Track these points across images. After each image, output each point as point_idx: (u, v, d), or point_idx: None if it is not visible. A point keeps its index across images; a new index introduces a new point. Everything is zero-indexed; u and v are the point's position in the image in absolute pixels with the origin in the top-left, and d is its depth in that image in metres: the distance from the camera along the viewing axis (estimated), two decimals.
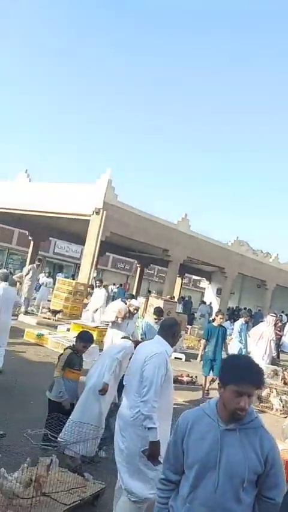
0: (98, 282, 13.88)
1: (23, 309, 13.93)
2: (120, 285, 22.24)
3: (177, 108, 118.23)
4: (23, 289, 14.01)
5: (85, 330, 5.81)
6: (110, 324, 7.66)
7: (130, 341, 5.14)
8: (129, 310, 7.45)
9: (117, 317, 7.34)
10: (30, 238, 21.74)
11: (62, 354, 4.92)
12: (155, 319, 8.06)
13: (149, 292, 16.21)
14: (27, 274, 13.95)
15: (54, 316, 13.96)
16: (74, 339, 5.20)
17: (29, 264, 15.94)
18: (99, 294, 12.99)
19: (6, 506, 3.16)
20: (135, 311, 7.62)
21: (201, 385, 8.80)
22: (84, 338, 4.89)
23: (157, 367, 3.14)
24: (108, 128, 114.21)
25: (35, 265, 14.33)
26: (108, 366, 4.67)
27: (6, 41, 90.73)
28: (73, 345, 4.97)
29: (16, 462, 3.46)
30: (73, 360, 4.75)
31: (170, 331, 3.50)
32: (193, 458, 2.00)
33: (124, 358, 4.84)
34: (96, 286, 13.50)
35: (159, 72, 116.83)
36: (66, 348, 4.98)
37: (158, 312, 8.29)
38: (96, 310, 12.59)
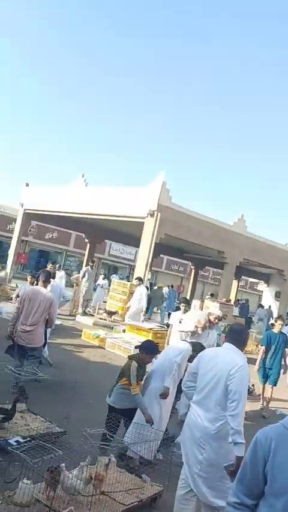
0: (136, 279, 13.77)
1: (80, 309, 14.31)
2: (172, 286, 22.11)
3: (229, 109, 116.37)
4: (80, 291, 14.37)
5: (150, 340, 5.65)
6: (189, 334, 7.18)
7: (187, 343, 5.09)
8: (209, 320, 6.83)
9: (196, 327, 6.72)
10: (86, 240, 22.31)
11: (127, 365, 4.64)
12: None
13: (212, 295, 15.94)
14: (83, 276, 14.31)
15: (110, 317, 14.20)
16: (137, 349, 4.95)
17: (85, 266, 16.34)
18: (139, 291, 12.83)
19: (68, 502, 3.24)
20: (216, 320, 6.99)
21: (259, 394, 8.44)
22: (151, 349, 4.70)
23: (244, 380, 3.09)
24: (161, 131, 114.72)
25: (89, 267, 14.68)
26: (168, 369, 4.65)
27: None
28: (137, 354, 4.74)
29: (75, 460, 3.54)
30: (139, 371, 4.55)
31: (240, 338, 3.37)
32: (282, 485, 1.76)
33: (183, 360, 4.81)
34: (137, 285, 13.42)
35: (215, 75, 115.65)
36: (131, 359, 4.68)
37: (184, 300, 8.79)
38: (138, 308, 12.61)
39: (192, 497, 3.21)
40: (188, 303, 8.84)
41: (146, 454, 4.36)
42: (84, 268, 15.00)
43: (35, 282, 6.74)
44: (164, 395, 4.60)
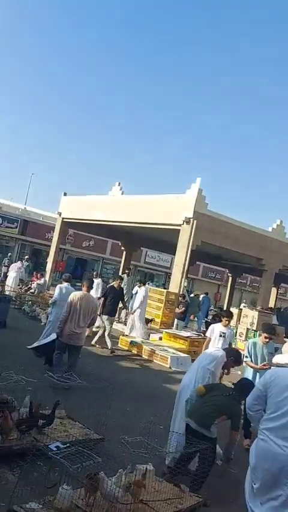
0: (138, 282, 13.55)
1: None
2: (206, 293, 21.78)
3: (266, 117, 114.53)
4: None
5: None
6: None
7: (222, 350, 4.98)
8: None
9: None
10: (122, 248, 22.51)
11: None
12: (266, 337, 6.37)
13: (254, 304, 15.58)
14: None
15: (146, 324, 14.20)
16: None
17: (121, 274, 16.33)
18: (139, 293, 12.77)
19: (107, 509, 3.25)
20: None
21: None
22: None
23: None
24: (198, 138, 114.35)
25: (125, 275, 14.56)
26: (201, 377, 4.59)
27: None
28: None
29: (114, 467, 3.54)
30: None
31: None
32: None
33: (217, 368, 4.73)
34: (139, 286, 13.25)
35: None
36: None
37: (270, 330, 6.58)
38: (135, 310, 12.23)
39: None
40: (231, 316, 8.04)
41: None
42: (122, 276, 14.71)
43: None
44: None
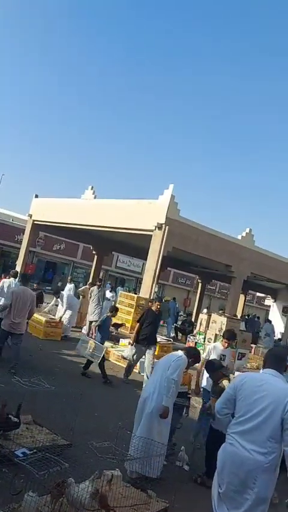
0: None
1: (85, 329, 13.74)
2: (174, 298, 21.91)
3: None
4: (89, 309, 13.68)
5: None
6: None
7: (181, 353, 4.98)
8: None
9: None
10: (94, 252, 22.37)
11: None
12: (226, 342, 6.86)
13: (221, 310, 15.77)
14: (91, 298, 13.11)
15: (117, 329, 14.13)
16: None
17: (90, 284, 15.59)
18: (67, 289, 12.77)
19: None
20: None
21: None
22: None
23: None
24: (171, 143, 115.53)
25: (95, 287, 13.88)
26: (166, 389, 4.56)
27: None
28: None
29: (81, 473, 3.51)
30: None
31: (283, 363, 3.22)
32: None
33: (180, 375, 4.76)
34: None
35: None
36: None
37: (230, 335, 6.92)
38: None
39: None
40: (231, 338, 6.98)
41: (147, 472, 4.27)
42: (92, 288, 13.58)
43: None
44: (164, 415, 4.52)
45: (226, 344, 6.89)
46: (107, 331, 9.12)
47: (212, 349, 6.94)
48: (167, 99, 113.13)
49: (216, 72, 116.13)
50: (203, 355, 6.54)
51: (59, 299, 12.25)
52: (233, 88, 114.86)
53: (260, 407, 2.96)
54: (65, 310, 11.89)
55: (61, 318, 11.80)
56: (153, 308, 9.30)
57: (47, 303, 13.33)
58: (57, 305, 12.49)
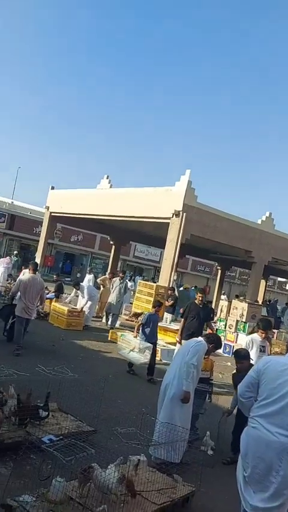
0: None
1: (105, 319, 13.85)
2: (195, 286, 21.71)
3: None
4: (106, 293, 13.94)
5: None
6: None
7: (201, 338, 4.96)
8: None
9: None
10: (111, 242, 22.42)
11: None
12: (262, 332, 6.59)
13: (237, 296, 15.69)
14: (112, 289, 13.30)
15: (137, 318, 14.19)
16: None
17: (111, 275, 15.67)
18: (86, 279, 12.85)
19: (101, 500, 3.24)
20: None
21: None
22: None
23: None
24: (185, 130, 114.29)
25: (118, 279, 13.86)
26: (185, 374, 4.55)
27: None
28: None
29: (107, 458, 3.54)
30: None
31: None
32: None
33: (199, 361, 4.74)
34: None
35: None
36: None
37: (266, 324, 6.68)
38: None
39: None
40: (268, 328, 6.73)
41: (172, 458, 4.30)
42: (114, 279, 13.74)
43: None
44: (185, 400, 4.52)
45: (263, 334, 6.60)
46: (153, 328, 8.39)
47: (250, 341, 6.68)
48: (181, 80, 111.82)
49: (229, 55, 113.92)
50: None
51: (79, 291, 12.34)
52: (250, 71, 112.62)
53: (284, 391, 2.95)
54: (87, 301, 11.98)
55: (82, 308, 11.90)
56: (196, 301, 8.57)
57: (68, 294, 13.43)
58: (77, 296, 12.59)
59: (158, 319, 8.82)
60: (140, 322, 8.57)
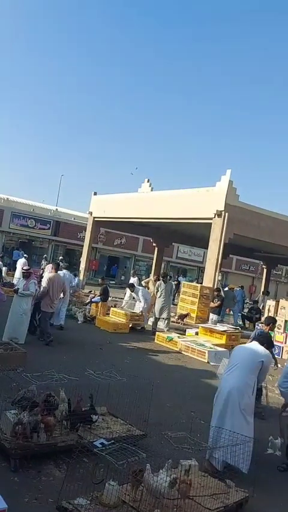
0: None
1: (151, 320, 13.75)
2: (241, 287, 21.26)
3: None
4: (156, 306, 12.79)
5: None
6: None
7: (262, 349, 4.79)
8: None
9: None
10: (154, 244, 22.49)
11: None
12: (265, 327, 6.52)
13: (268, 293, 15.23)
14: (158, 293, 12.55)
15: (182, 320, 14.17)
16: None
17: (154, 278, 15.73)
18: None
19: (153, 505, 3.26)
20: None
21: None
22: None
23: None
24: (226, 130, 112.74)
25: (161, 281, 13.61)
26: (253, 389, 4.49)
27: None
28: None
29: (158, 463, 3.55)
30: None
31: None
32: None
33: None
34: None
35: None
36: None
37: (266, 320, 6.61)
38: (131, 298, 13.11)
39: None
40: (270, 322, 6.68)
41: (239, 464, 4.16)
42: (157, 283, 13.07)
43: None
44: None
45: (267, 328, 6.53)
46: None
47: None
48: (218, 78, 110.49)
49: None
50: None
51: (133, 293, 12.92)
52: None
53: None
54: (144, 304, 12.55)
55: (141, 311, 12.66)
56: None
57: (115, 297, 13.74)
58: (131, 298, 13.17)
59: None
60: None
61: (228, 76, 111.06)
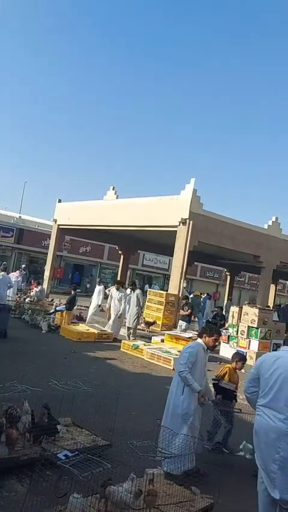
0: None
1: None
2: (208, 294, 21.44)
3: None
4: (128, 315, 13.20)
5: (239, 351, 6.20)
6: None
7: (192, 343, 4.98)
8: None
9: None
10: (120, 252, 22.48)
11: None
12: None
13: (251, 302, 15.54)
14: (119, 299, 12.87)
15: (148, 327, 14.18)
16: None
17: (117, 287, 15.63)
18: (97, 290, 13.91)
19: None
20: None
21: None
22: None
23: None
24: (189, 138, 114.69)
25: (129, 289, 13.69)
26: (184, 379, 4.68)
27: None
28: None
29: (123, 473, 3.52)
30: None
31: None
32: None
33: (189, 360, 4.75)
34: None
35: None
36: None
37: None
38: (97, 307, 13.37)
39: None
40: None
41: (189, 466, 4.30)
42: (126, 291, 13.61)
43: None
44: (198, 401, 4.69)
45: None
46: None
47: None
48: (178, 86, 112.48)
49: (226, 55, 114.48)
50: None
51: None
52: (253, 72, 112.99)
53: (274, 379, 3.25)
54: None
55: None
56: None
57: (79, 306, 13.57)
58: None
59: None
60: None
61: (189, 84, 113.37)
